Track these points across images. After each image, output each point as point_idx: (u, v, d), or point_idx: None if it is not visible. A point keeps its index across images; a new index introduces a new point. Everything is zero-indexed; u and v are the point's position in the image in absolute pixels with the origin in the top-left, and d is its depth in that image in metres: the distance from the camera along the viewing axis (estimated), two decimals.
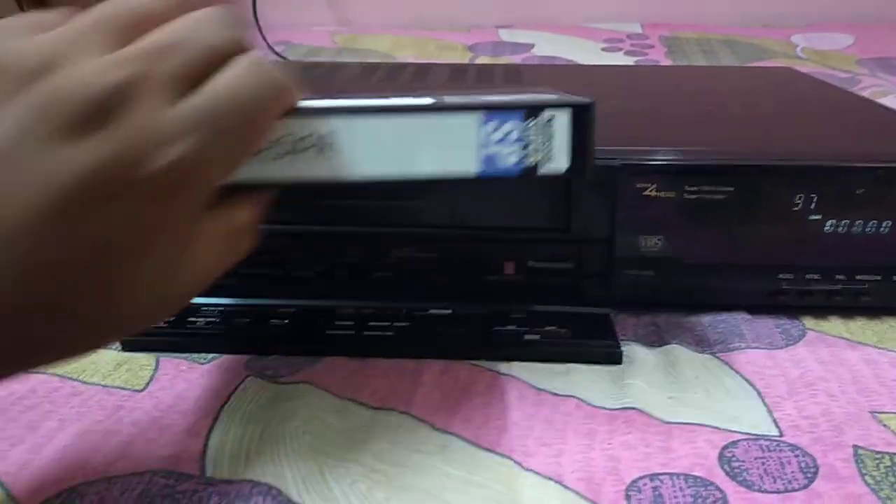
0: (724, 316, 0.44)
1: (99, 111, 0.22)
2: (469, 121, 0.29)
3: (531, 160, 0.30)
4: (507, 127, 0.29)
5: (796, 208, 0.42)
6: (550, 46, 1.23)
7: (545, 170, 0.30)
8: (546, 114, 0.30)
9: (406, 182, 0.29)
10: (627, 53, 1.20)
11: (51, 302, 0.22)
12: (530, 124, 0.30)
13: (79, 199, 0.22)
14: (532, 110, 0.29)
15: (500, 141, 0.30)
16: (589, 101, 0.30)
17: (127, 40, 0.24)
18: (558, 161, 0.30)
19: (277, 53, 1.21)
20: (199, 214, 0.25)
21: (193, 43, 0.24)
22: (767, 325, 0.43)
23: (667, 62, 1.16)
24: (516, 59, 1.19)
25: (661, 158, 0.42)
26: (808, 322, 0.43)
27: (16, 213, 0.21)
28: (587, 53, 1.19)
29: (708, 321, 0.43)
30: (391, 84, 0.67)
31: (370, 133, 0.29)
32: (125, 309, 0.24)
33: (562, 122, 0.30)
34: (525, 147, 0.30)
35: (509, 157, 0.30)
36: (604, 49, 1.21)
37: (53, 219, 0.21)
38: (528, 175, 0.30)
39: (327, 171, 0.29)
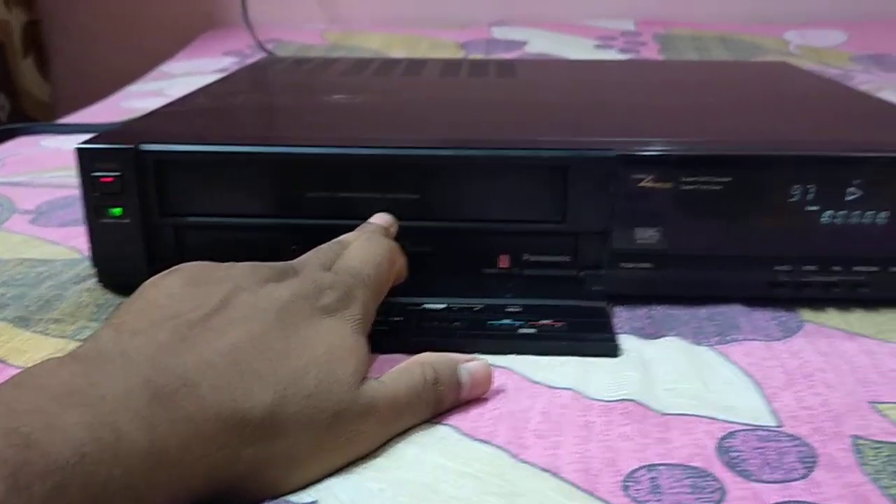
0: (721, 308, 0.43)
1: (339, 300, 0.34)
2: None
3: None
4: None
5: (793, 199, 0.42)
6: (543, 43, 1.23)
7: None
8: None
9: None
10: (620, 51, 1.20)
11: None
12: None
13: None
14: None
15: None
16: None
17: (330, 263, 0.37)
18: None
19: (267, 51, 1.20)
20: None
21: (332, 245, 0.39)
22: (765, 317, 0.43)
23: (660, 59, 1.16)
24: (509, 56, 1.18)
25: (657, 149, 0.42)
26: (806, 314, 0.43)
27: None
28: (580, 51, 1.19)
29: (704, 313, 0.43)
30: (385, 79, 0.66)
31: None
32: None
33: None
34: None
35: None
36: (597, 46, 1.21)
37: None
38: None
39: None
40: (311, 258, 0.37)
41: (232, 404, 0.27)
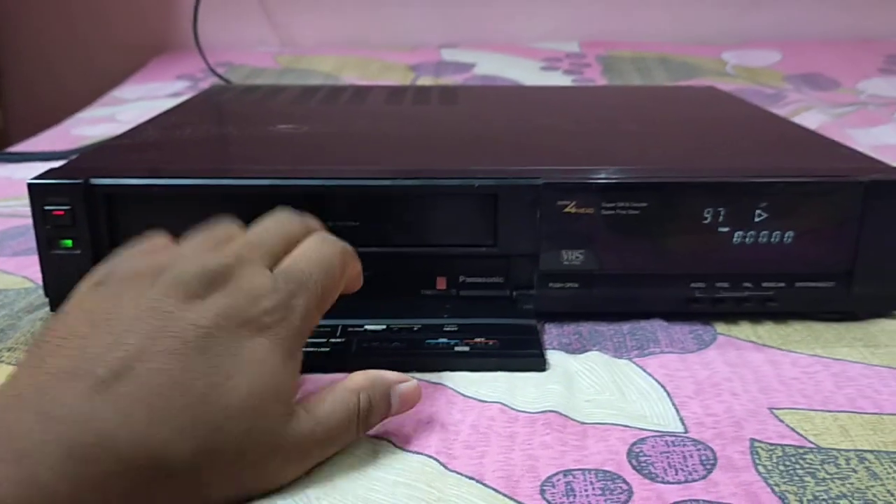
0: (643, 323, 0.47)
1: (275, 310, 0.32)
2: None
3: None
4: None
5: (706, 221, 0.46)
6: (491, 65, 1.27)
7: None
8: None
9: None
10: (565, 72, 1.24)
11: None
12: None
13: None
14: None
15: None
16: None
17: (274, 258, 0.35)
18: None
19: (219, 75, 1.22)
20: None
21: (279, 235, 0.36)
22: (682, 330, 0.46)
23: (602, 80, 1.20)
24: (458, 78, 1.22)
25: (579, 177, 0.45)
26: (720, 327, 0.47)
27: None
28: (527, 73, 1.23)
29: (627, 329, 0.46)
30: (331, 107, 0.69)
31: None
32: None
33: None
34: None
35: None
36: (543, 68, 1.25)
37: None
38: None
39: None
40: (257, 246, 0.35)
41: (151, 455, 0.27)
